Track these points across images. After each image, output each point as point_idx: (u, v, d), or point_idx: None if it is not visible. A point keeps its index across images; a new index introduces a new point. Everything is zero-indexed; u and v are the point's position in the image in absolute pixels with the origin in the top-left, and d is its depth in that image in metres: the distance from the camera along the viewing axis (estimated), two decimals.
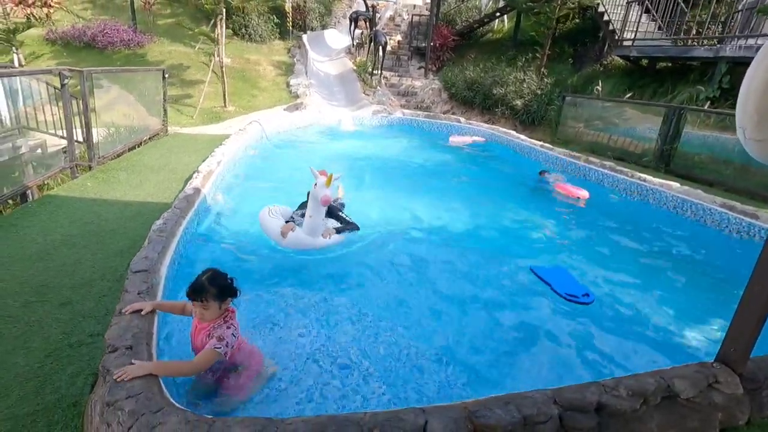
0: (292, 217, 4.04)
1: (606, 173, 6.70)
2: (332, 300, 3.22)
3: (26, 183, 4.70)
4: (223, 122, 9.93)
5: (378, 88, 12.78)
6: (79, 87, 5.58)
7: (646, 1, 10.14)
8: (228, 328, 2.11)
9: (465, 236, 4.68)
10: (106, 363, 1.92)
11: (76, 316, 2.62)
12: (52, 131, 5.62)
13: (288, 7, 14.64)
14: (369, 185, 6.16)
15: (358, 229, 4.16)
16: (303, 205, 4.08)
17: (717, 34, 8.72)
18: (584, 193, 6.03)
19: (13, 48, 9.85)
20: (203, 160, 5.71)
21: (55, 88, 5.46)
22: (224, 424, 1.62)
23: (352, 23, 14.41)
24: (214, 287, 2.07)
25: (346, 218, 4.19)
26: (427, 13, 14.93)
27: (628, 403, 1.92)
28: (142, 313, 2.24)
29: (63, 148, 5.76)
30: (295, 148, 8.13)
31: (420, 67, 14.23)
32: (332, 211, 4.11)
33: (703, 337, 3.12)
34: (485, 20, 14.52)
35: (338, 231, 3.99)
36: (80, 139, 5.66)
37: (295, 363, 2.53)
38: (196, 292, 2.07)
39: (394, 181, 6.49)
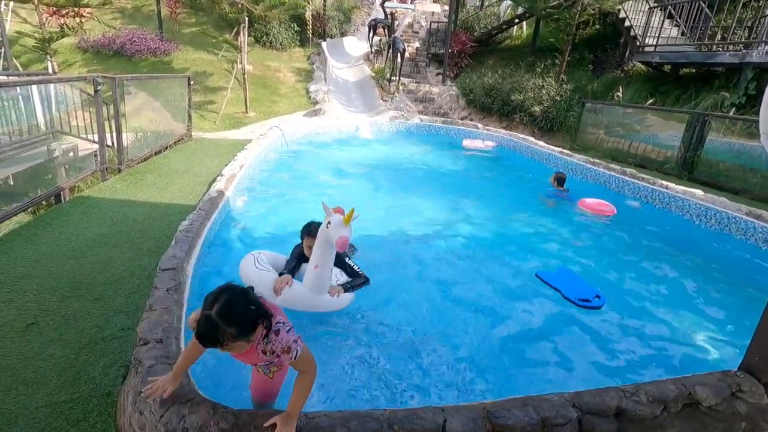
0: (287, 267, 3.12)
1: (627, 180, 6.61)
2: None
3: (60, 185, 4.92)
4: (244, 127, 10.17)
5: (396, 94, 12.88)
6: (109, 93, 5.82)
7: (669, 7, 10.02)
8: (277, 333, 1.62)
9: (479, 243, 4.68)
10: (138, 355, 2.01)
11: (108, 311, 2.74)
12: (84, 135, 5.87)
13: (308, 15, 14.94)
14: (385, 191, 6.22)
15: (369, 282, 3.26)
16: (296, 253, 3.22)
17: (743, 40, 8.54)
18: (611, 209, 5.69)
19: (48, 56, 10.31)
20: (226, 164, 5.87)
21: (87, 94, 5.71)
22: (250, 416, 1.69)
23: (371, 30, 14.62)
24: (234, 326, 1.45)
25: (355, 268, 3.28)
26: (445, 20, 15.01)
27: (648, 409, 1.91)
28: (165, 395, 1.71)
29: (93, 152, 6.00)
30: (313, 154, 8.26)
31: (438, 74, 14.30)
32: (338, 257, 3.09)
33: (725, 346, 3.06)
34: (504, 27, 14.56)
35: (346, 288, 3.08)
36: (110, 143, 5.89)
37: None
38: (208, 340, 1.47)
39: (411, 187, 6.52)
